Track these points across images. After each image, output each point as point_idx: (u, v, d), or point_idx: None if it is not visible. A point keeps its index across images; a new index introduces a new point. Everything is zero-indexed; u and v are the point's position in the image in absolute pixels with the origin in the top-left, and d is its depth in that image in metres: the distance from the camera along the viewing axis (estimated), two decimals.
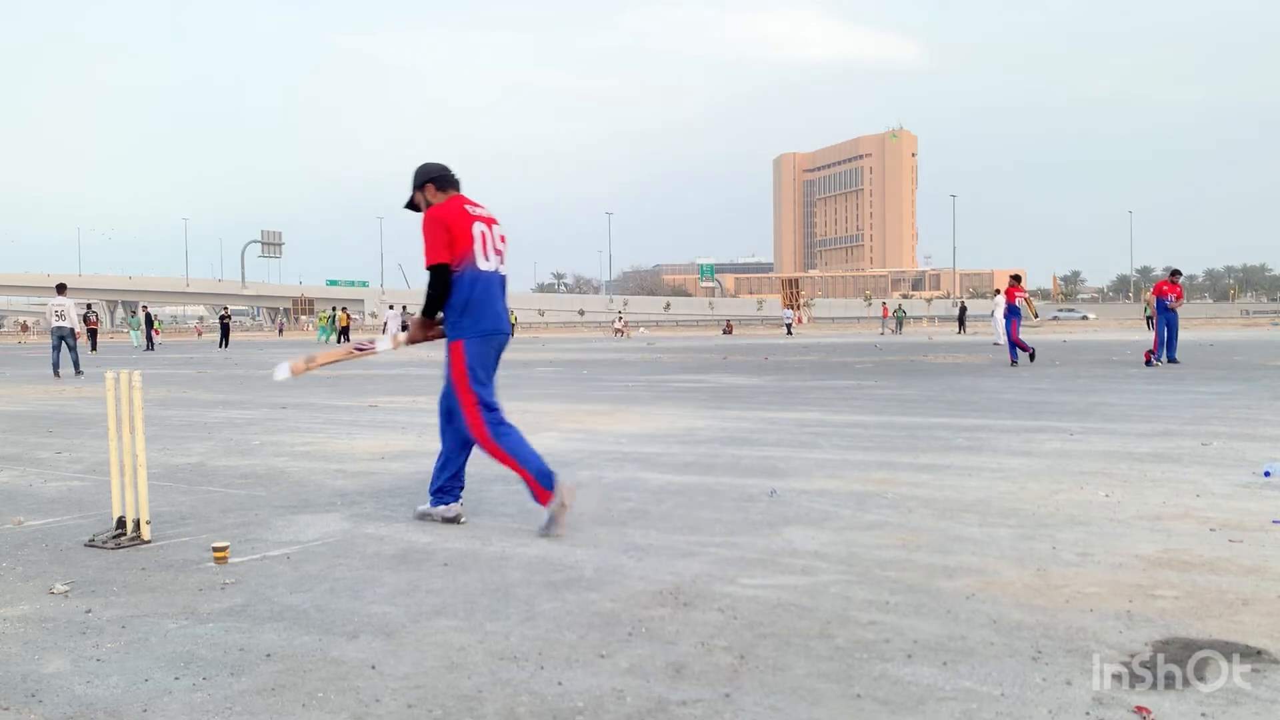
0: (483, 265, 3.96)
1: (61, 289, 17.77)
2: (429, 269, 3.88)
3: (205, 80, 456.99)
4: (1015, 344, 15.76)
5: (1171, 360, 14.84)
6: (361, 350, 4.64)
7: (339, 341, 39.32)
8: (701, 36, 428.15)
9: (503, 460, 3.98)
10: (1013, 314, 16.02)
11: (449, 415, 4.17)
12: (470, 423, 3.99)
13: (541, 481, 3.91)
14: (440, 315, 4.03)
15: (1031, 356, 15.76)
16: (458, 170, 4.22)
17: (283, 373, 4.43)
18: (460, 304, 3.94)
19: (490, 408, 4.00)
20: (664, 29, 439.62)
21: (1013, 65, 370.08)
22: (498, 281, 4.06)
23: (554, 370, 17.06)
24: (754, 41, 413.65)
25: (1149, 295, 15.96)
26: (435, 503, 4.23)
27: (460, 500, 4.26)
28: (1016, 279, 16.64)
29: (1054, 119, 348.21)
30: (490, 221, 4.08)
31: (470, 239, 3.93)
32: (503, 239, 4.11)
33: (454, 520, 4.20)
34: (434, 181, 4.08)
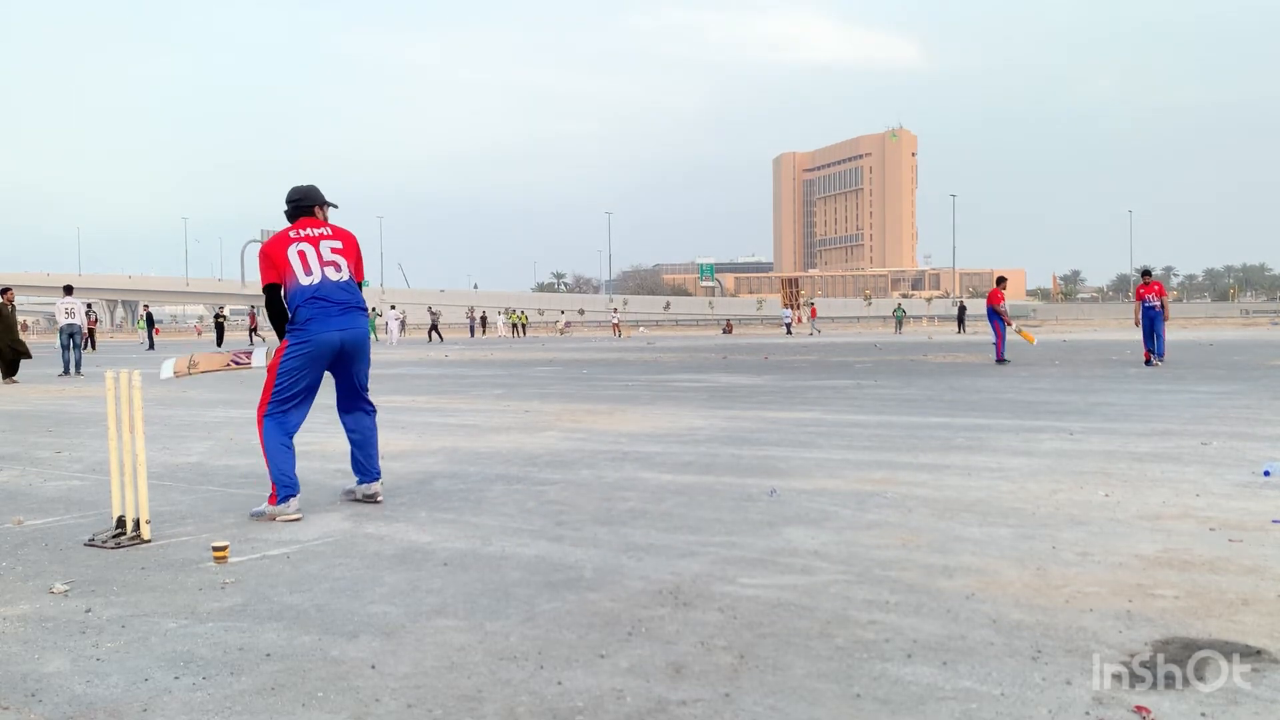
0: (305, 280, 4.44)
1: (69, 290, 17.97)
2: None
3: (205, 80, 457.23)
4: (1000, 344, 16.01)
5: (1158, 356, 14.80)
6: (238, 363, 4.81)
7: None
8: (702, 37, 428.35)
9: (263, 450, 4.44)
10: (994, 316, 16.24)
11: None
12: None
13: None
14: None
15: (999, 360, 15.95)
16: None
17: (167, 371, 4.78)
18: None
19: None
20: (664, 29, 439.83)
21: (1013, 65, 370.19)
22: (338, 288, 4.51)
23: (554, 370, 17.07)
24: (754, 42, 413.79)
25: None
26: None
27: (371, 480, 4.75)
28: (1002, 282, 16.75)
29: (1054, 119, 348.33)
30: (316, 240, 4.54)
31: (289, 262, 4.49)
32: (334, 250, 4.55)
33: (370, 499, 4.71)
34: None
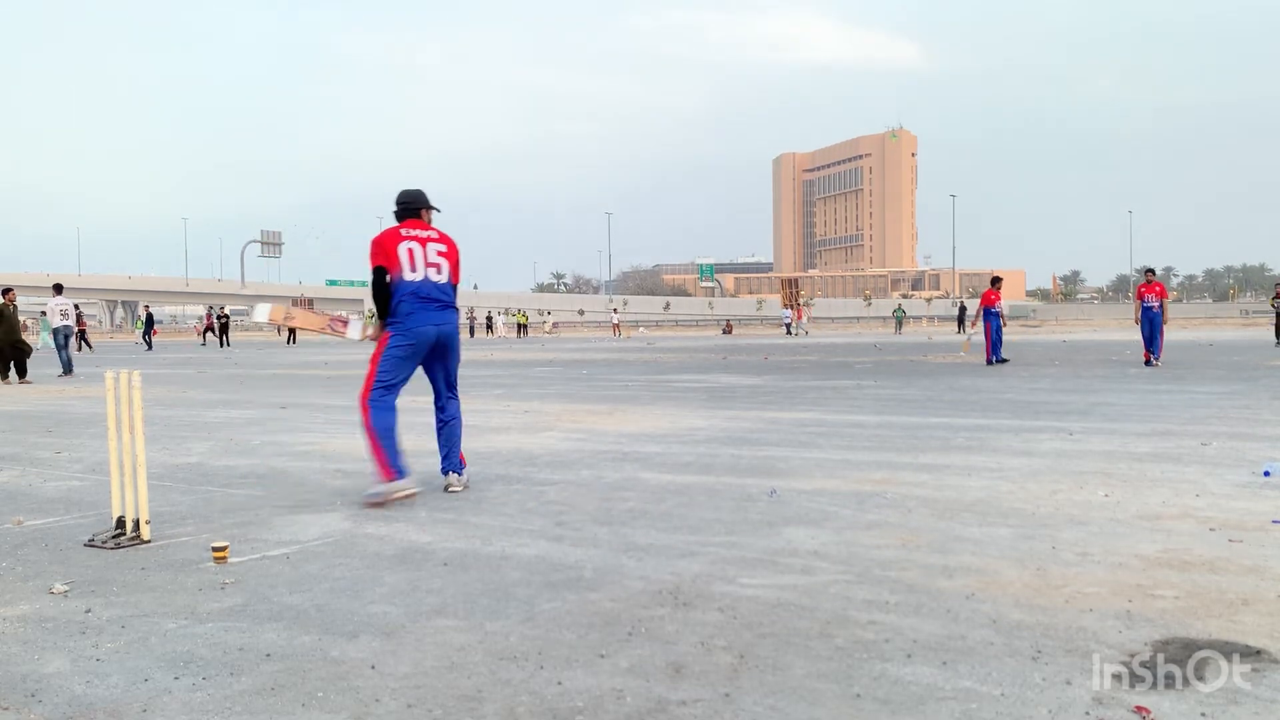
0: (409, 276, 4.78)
1: (59, 289, 17.81)
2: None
3: (205, 80, 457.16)
4: (990, 345, 16.01)
5: (1155, 356, 14.81)
6: (334, 329, 5.23)
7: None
8: (702, 37, 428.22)
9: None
10: (989, 317, 16.17)
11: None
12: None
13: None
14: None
15: (989, 361, 15.85)
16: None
17: (262, 315, 5.15)
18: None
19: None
20: (665, 30, 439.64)
21: (1013, 65, 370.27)
22: (436, 288, 4.86)
23: (554, 370, 17.07)
24: (754, 42, 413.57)
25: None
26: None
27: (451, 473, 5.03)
28: (997, 282, 16.64)
29: (1054, 119, 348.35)
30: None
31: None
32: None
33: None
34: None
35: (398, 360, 4.79)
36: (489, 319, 61.21)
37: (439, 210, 5.05)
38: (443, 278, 4.85)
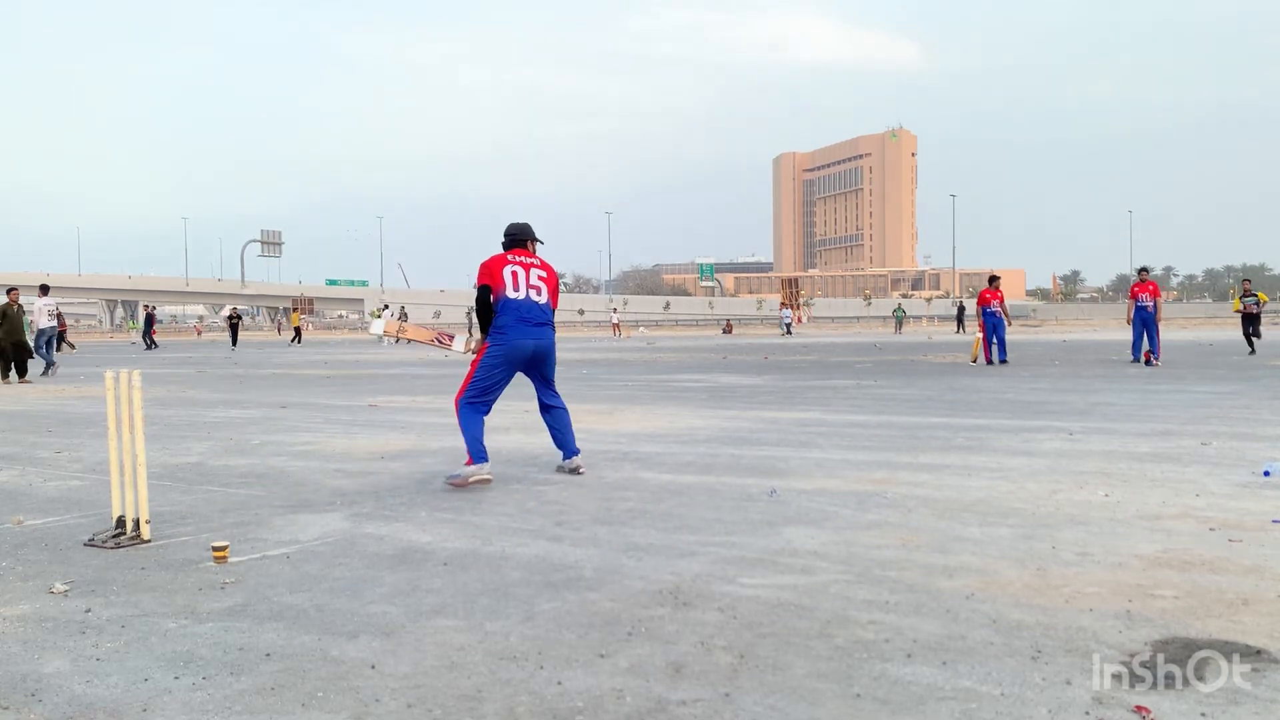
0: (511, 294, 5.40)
1: (45, 290, 17.65)
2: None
3: (206, 80, 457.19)
4: (986, 346, 15.85)
5: (1155, 355, 14.79)
6: (440, 343, 5.92)
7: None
8: (702, 37, 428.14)
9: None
10: (985, 316, 15.92)
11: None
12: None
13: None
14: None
15: (989, 361, 15.70)
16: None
17: (377, 328, 6.01)
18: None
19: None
20: (665, 30, 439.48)
21: (1013, 65, 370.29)
22: (536, 308, 5.45)
23: None
24: (754, 43, 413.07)
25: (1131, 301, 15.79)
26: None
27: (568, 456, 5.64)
28: (994, 280, 16.37)
29: (1054, 119, 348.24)
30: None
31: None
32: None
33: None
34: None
35: (492, 367, 5.31)
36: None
37: (542, 242, 5.70)
38: (542, 299, 5.45)
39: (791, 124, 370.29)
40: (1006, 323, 16.09)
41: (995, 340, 15.86)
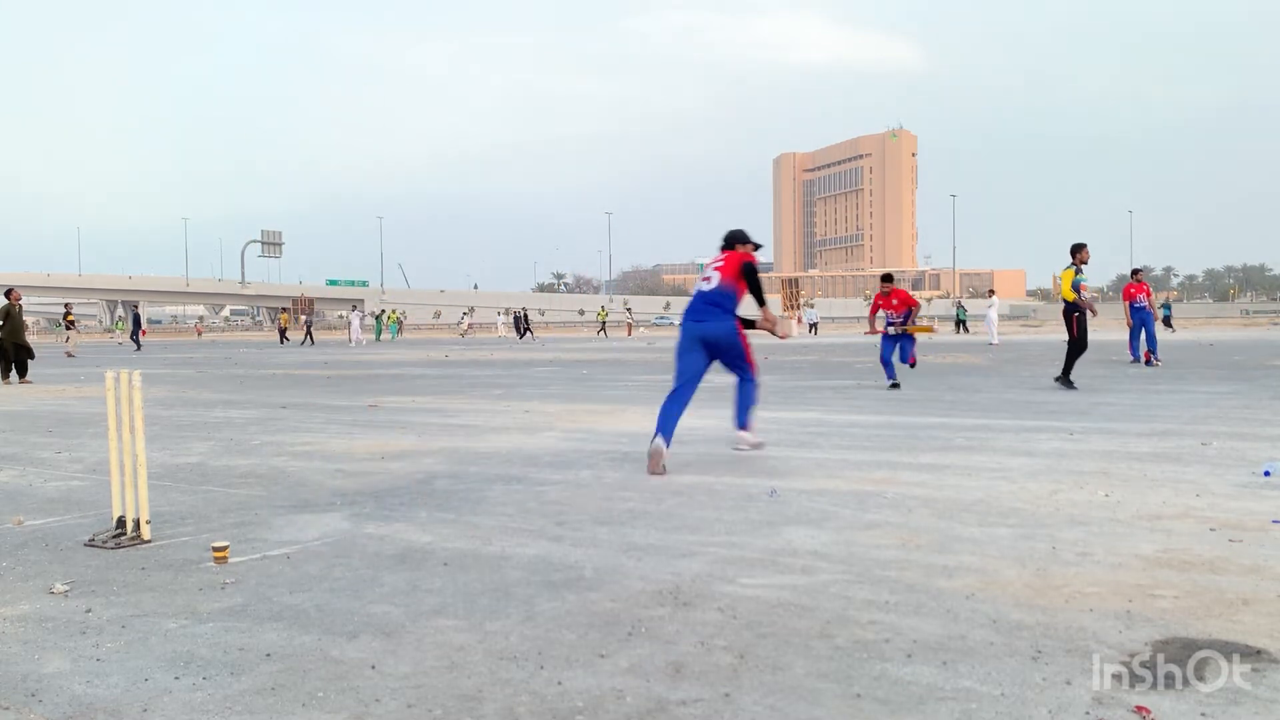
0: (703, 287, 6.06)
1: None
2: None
3: (206, 80, 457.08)
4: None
5: (1137, 358, 14.74)
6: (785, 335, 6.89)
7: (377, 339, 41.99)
8: (702, 38, 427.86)
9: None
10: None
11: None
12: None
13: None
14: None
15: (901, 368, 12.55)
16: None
17: (789, 329, 7.11)
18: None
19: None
20: (665, 31, 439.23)
21: (1013, 65, 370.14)
22: (700, 296, 6.04)
23: (554, 370, 17.06)
24: (754, 44, 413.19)
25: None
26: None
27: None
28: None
29: (1054, 119, 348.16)
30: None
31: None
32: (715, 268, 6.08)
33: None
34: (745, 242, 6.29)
35: (676, 354, 6.07)
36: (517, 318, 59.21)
37: (760, 245, 6.36)
38: (710, 286, 5.97)
39: (791, 124, 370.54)
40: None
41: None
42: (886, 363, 11.29)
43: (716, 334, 5.88)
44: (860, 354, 21.30)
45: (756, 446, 6.16)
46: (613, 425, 7.91)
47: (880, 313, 11.51)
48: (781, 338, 6.77)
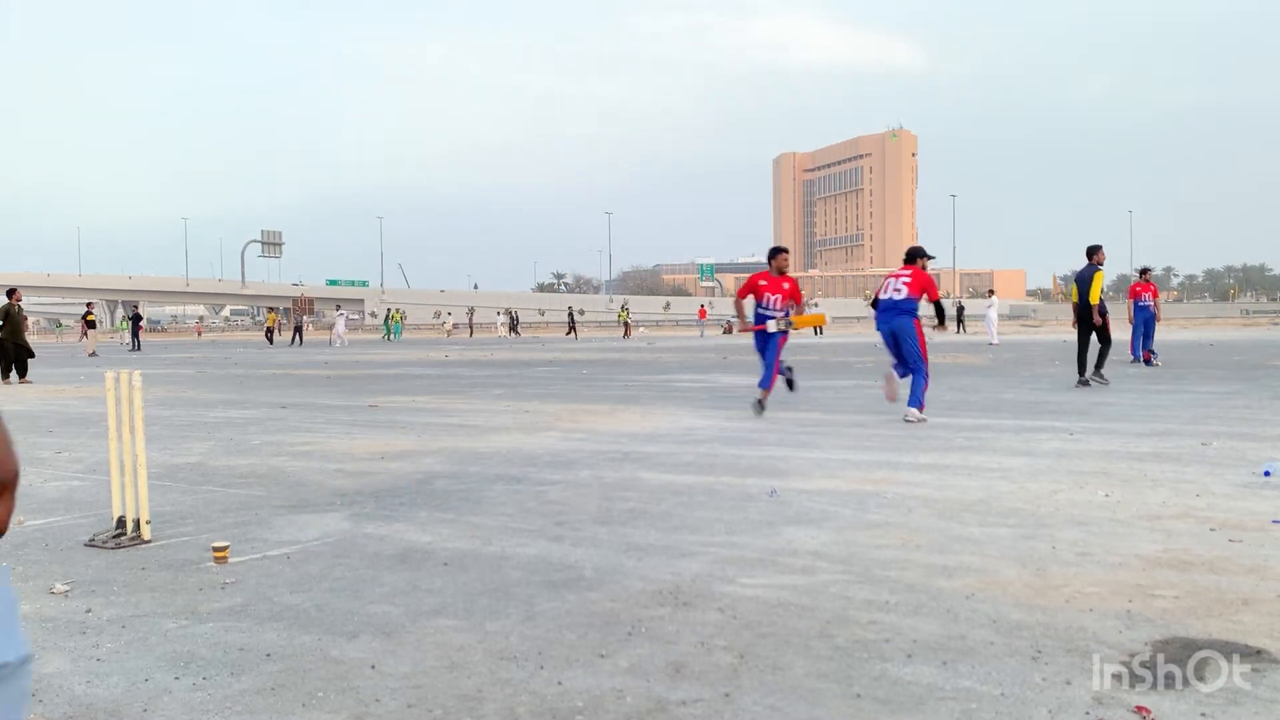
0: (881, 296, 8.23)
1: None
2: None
3: (206, 81, 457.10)
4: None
5: (1138, 357, 14.71)
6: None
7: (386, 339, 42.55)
8: (702, 38, 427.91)
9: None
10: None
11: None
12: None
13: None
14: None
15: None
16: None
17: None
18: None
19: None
20: (665, 32, 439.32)
21: (1012, 65, 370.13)
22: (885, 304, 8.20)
23: (554, 370, 17.06)
24: (754, 44, 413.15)
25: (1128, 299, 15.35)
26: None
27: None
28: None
29: (1054, 119, 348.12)
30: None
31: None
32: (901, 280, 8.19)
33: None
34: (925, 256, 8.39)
35: (883, 347, 8.33)
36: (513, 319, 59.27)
37: (933, 257, 8.37)
38: (900, 295, 8.02)
39: (791, 124, 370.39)
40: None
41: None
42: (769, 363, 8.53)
43: (896, 328, 8.01)
44: (861, 354, 21.30)
45: (920, 421, 7.59)
46: (613, 425, 7.92)
47: (752, 301, 8.74)
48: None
